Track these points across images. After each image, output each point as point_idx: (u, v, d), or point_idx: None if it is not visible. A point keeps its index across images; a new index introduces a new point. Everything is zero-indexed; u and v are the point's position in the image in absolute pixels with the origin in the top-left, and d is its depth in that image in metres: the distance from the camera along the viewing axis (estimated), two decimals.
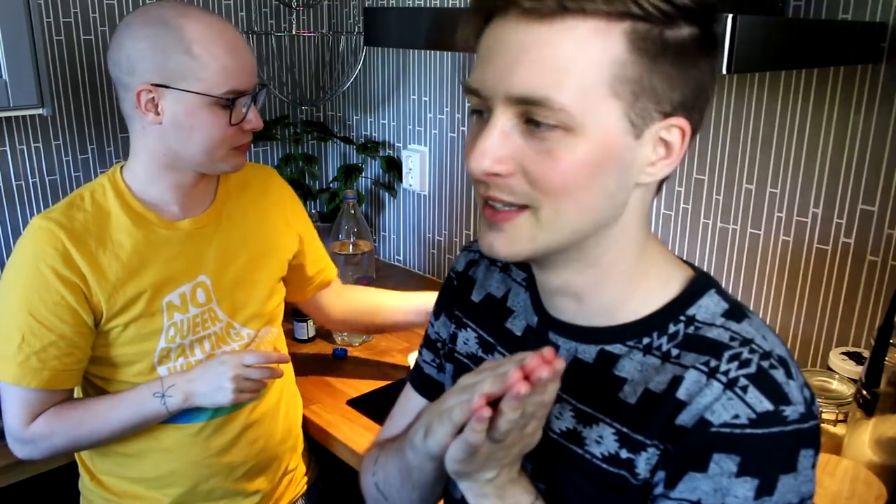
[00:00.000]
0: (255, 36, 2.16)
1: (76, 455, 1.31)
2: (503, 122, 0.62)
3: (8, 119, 1.79)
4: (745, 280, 1.53)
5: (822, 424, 0.96)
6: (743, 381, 0.62)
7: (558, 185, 0.62)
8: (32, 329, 1.11)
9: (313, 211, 2.26)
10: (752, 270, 1.52)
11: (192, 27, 1.09)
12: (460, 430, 0.63)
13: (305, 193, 2.14)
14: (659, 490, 0.65)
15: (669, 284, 0.71)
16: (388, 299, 1.53)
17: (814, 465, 0.64)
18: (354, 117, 2.32)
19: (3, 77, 1.47)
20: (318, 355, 1.71)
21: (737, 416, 0.61)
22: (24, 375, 1.13)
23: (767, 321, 1.43)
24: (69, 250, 1.11)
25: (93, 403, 1.20)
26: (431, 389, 0.91)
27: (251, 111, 1.15)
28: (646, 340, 0.69)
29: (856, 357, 1.32)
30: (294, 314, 1.70)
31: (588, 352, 0.71)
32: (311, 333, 1.77)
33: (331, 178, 2.35)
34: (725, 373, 0.63)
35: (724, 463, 0.62)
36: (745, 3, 1.24)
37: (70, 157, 1.91)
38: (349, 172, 2.15)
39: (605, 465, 0.68)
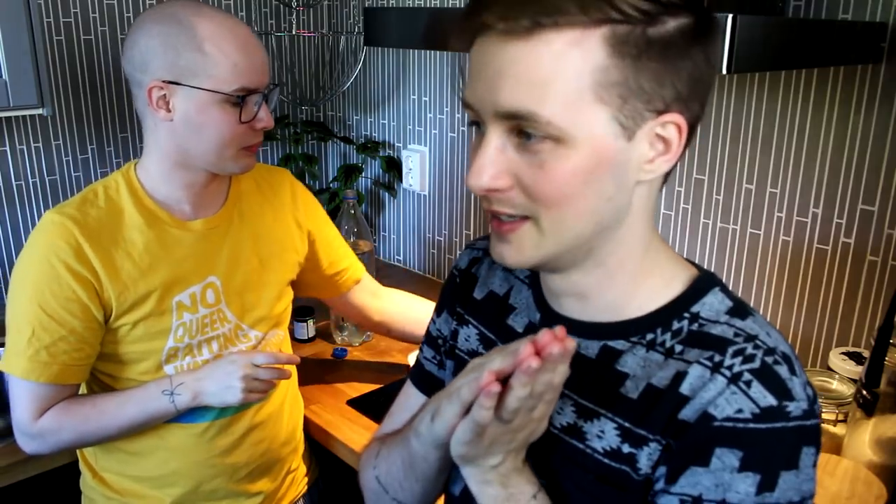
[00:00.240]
0: None
1: (78, 452, 1.31)
2: (496, 137, 0.63)
3: (8, 119, 1.79)
4: (745, 280, 1.53)
5: (822, 424, 0.96)
6: (747, 376, 0.62)
7: (554, 196, 0.63)
8: (43, 323, 1.11)
9: None
10: (752, 270, 1.52)
11: (204, 25, 1.09)
12: (468, 410, 0.64)
13: None
14: (660, 485, 0.65)
15: (674, 282, 0.71)
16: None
17: (815, 464, 0.64)
18: (354, 117, 2.32)
19: (3, 77, 1.47)
20: (318, 355, 1.71)
21: (740, 411, 0.61)
22: (34, 370, 1.13)
23: (767, 321, 1.43)
24: (82, 246, 1.11)
25: (101, 400, 1.20)
26: (431, 386, 0.91)
27: (263, 110, 1.15)
28: (649, 336, 0.69)
29: (856, 357, 1.32)
30: (295, 314, 1.69)
31: (591, 347, 0.71)
32: (311, 333, 1.77)
33: (331, 178, 2.35)
34: (730, 367, 0.63)
35: (726, 457, 0.62)
36: (745, 3, 1.24)
37: (70, 157, 1.91)
38: (349, 172, 2.15)
39: (606, 460, 0.68)
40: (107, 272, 1.13)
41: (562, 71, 0.59)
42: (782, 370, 0.63)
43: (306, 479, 1.45)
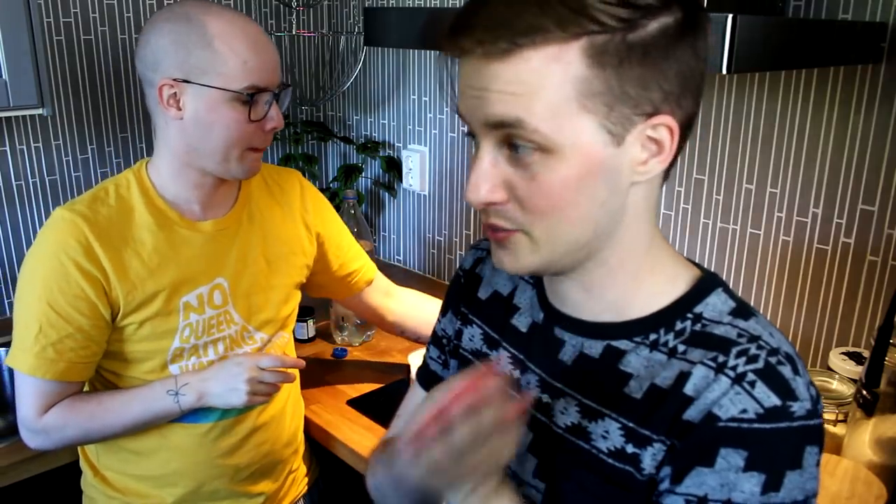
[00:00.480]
0: None
1: (79, 451, 1.31)
2: (488, 150, 0.64)
3: (8, 119, 1.79)
4: (745, 280, 1.53)
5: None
6: (751, 377, 0.62)
7: (545, 206, 0.63)
8: (50, 320, 1.12)
9: None
10: (752, 270, 1.52)
11: (214, 23, 1.09)
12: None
13: None
14: (665, 485, 0.65)
15: (676, 282, 0.71)
16: None
17: (818, 464, 0.64)
18: (354, 117, 2.32)
19: (3, 77, 1.47)
20: (319, 355, 1.71)
21: (745, 411, 0.61)
22: (40, 366, 1.13)
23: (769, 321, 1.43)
24: (92, 244, 1.11)
25: (106, 397, 1.20)
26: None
27: (273, 109, 1.15)
28: (652, 336, 0.69)
29: (856, 357, 1.32)
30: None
31: (594, 347, 0.72)
32: (312, 333, 1.77)
33: (331, 178, 2.35)
34: (733, 368, 0.63)
35: (731, 457, 0.62)
36: (745, 3, 1.24)
37: (70, 157, 1.91)
38: (349, 172, 2.15)
39: (610, 461, 0.68)
40: (115, 271, 1.13)
41: (544, 85, 0.60)
42: (786, 370, 0.63)
43: (307, 480, 1.45)
